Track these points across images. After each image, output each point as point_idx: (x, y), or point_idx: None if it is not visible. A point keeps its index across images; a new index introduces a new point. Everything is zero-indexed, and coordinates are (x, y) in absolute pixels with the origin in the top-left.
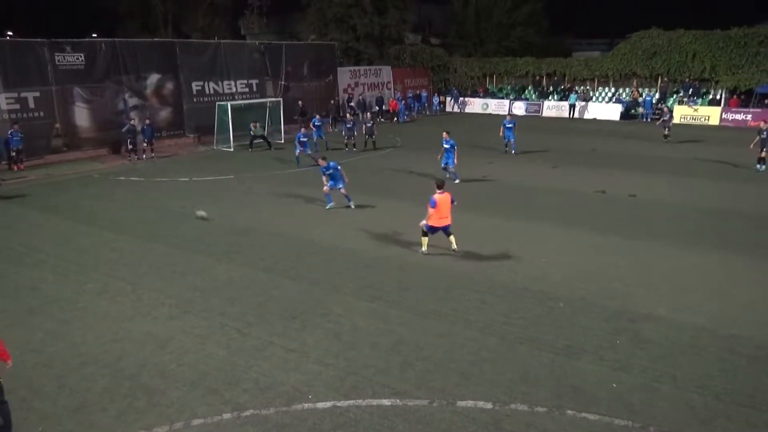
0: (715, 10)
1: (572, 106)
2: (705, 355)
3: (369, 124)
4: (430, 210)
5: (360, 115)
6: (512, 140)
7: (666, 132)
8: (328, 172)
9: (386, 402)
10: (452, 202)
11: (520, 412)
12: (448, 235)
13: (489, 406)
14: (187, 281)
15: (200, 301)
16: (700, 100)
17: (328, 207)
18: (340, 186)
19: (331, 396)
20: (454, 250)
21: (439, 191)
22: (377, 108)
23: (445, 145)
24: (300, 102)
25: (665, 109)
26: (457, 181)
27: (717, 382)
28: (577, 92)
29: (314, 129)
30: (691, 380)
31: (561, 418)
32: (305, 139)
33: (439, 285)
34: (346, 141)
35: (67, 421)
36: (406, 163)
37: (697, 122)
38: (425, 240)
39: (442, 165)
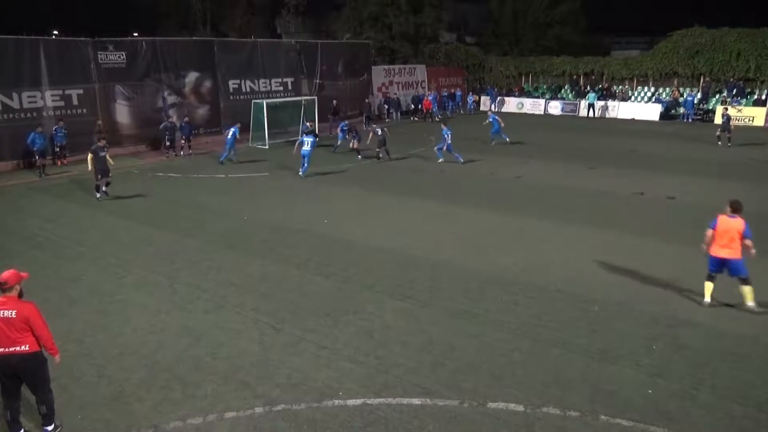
0: (762, 8)
1: (591, 106)
2: (746, 363)
3: (379, 133)
4: (708, 232)
5: (395, 114)
6: (492, 134)
7: (728, 135)
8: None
9: (416, 401)
10: (745, 236)
11: (552, 415)
12: (742, 282)
13: (520, 408)
14: (222, 276)
15: (234, 296)
16: (744, 101)
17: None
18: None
19: (361, 393)
20: (749, 308)
21: (731, 215)
22: (413, 107)
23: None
24: (334, 101)
25: (723, 111)
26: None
27: (759, 392)
28: (596, 90)
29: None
30: (731, 389)
31: (594, 423)
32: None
33: (470, 285)
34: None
35: (106, 409)
36: (437, 162)
37: (741, 123)
38: (708, 286)
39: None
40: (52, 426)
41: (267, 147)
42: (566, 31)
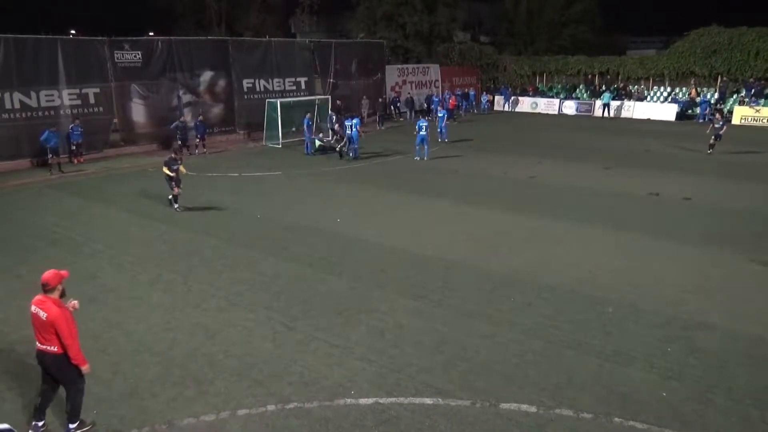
0: None
1: (606, 106)
2: (763, 366)
3: (350, 131)
4: None
5: (408, 113)
6: (443, 130)
7: (712, 141)
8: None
9: (428, 401)
10: None
11: (565, 417)
12: None
13: (533, 409)
14: (236, 275)
15: (248, 295)
16: (762, 101)
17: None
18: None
19: (373, 392)
20: None
21: None
22: (426, 106)
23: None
24: (338, 101)
25: (718, 115)
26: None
27: None
28: (610, 90)
29: (305, 129)
30: (747, 392)
31: (608, 426)
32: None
33: (483, 285)
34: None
35: (120, 405)
36: (451, 161)
37: (759, 124)
38: None
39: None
40: (76, 424)
41: (280, 146)
42: (581, 31)
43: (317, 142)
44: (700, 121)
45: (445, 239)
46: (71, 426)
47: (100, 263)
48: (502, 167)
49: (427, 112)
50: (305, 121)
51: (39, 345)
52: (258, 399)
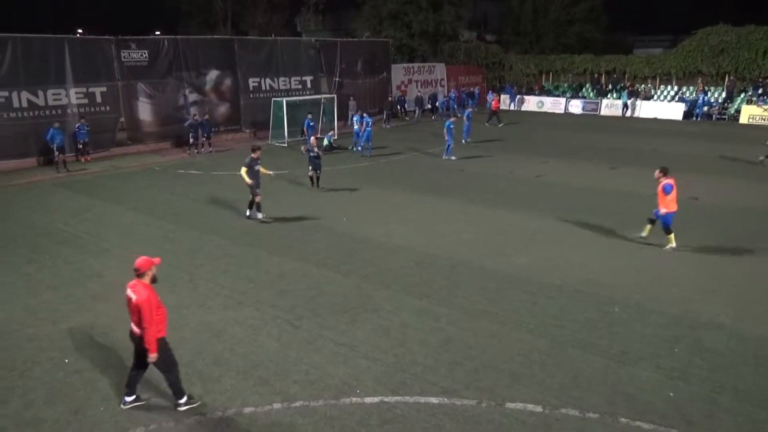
0: None
1: (625, 105)
2: None
3: (313, 154)
4: (668, 197)
5: (416, 111)
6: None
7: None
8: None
9: (434, 400)
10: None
11: (570, 417)
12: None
13: (539, 409)
14: (242, 273)
15: (254, 293)
16: None
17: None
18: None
19: (379, 391)
20: (642, 237)
21: (667, 177)
22: (429, 106)
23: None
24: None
25: None
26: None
27: None
28: (628, 89)
29: (307, 130)
30: (754, 393)
31: (614, 425)
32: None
33: (489, 285)
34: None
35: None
36: (456, 160)
37: (766, 123)
38: (672, 237)
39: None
40: (183, 399)
41: (286, 145)
42: (588, 29)
43: (325, 141)
44: (701, 119)
45: (450, 238)
46: (179, 401)
47: (106, 261)
48: (507, 166)
49: (431, 111)
50: (306, 122)
51: (132, 326)
52: (264, 397)
